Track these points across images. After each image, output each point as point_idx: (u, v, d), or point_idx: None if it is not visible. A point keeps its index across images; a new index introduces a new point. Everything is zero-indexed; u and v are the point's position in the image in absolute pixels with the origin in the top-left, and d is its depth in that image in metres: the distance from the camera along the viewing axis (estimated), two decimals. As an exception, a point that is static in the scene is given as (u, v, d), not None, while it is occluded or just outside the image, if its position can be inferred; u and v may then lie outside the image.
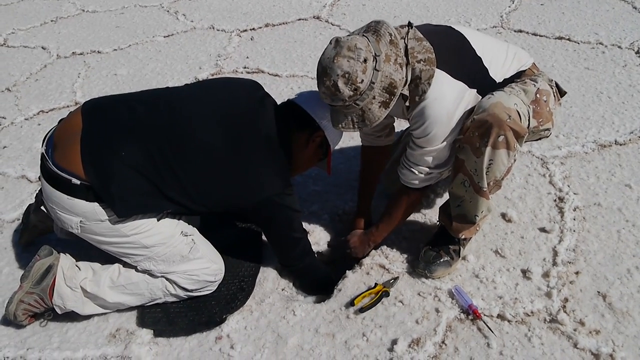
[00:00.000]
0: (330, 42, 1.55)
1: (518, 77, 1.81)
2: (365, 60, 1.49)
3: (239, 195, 1.73)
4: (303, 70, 3.62)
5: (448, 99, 1.66)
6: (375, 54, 1.51)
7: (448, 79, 1.65)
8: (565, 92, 1.94)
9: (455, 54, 1.71)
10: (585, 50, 3.55)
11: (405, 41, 1.63)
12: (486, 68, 1.74)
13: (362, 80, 1.50)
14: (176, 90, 1.91)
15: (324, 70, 1.53)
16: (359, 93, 1.52)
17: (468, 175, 1.74)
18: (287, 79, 3.55)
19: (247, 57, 3.86)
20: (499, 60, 1.78)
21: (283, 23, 4.46)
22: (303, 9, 4.69)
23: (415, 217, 2.26)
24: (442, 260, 1.92)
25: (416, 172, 1.82)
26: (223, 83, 1.95)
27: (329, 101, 1.59)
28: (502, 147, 1.64)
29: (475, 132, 1.65)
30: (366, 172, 2.22)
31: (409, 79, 1.61)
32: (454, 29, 1.82)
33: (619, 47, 3.55)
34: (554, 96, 1.85)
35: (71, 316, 1.86)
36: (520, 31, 3.91)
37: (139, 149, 1.64)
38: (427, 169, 1.81)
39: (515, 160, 1.74)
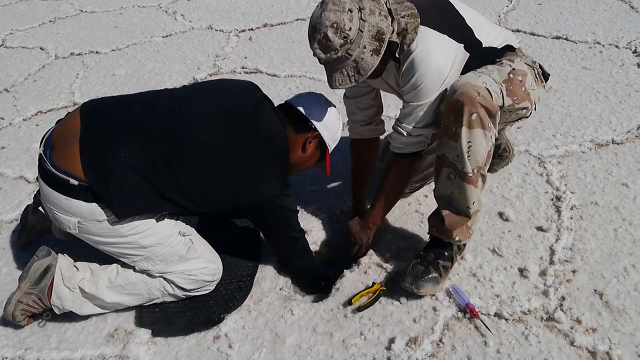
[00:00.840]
0: (318, 5, 1.61)
1: (502, 52, 1.84)
2: (350, 10, 1.55)
3: (237, 196, 1.75)
4: (301, 70, 3.62)
5: (435, 50, 1.69)
6: (359, 7, 1.57)
7: (433, 32, 1.70)
8: (549, 75, 1.95)
9: (439, 14, 1.76)
10: (582, 50, 3.56)
11: (388, 4, 1.67)
12: (470, 28, 1.77)
13: (350, 28, 1.55)
14: (175, 91, 1.92)
15: (314, 27, 1.59)
16: (349, 41, 1.57)
17: (451, 165, 1.74)
18: (285, 79, 3.56)
19: (245, 58, 3.87)
20: (484, 27, 1.83)
21: (281, 23, 4.47)
22: (301, 9, 4.69)
23: (412, 215, 2.26)
24: (430, 276, 1.83)
25: (405, 133, 1.82)
26: (221, 85, 1.96)
27: (322, 56, 1.62)
28: (477, 126, 1.65)
29: (449, 117, 1.67)
30: (358, 168, 2.23)
31: (395, 28, 1.65)
32: None
33: (617, 46, 3.56)
34: (537, 77, 1.86)
35: (69, 316, 1.86)
36: (518, 30, 3.92)
37: (138, 149, 1.64)
38: (416, 130, 1.81)
39: (493, 145, 1.73)
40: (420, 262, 1.86)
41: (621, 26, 3.83)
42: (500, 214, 2.21)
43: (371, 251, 2.09)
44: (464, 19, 1.78)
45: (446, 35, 1.71)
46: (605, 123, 2.77)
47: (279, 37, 4.22)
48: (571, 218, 2.17)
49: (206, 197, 1.73)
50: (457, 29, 1.75)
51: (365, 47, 1.59)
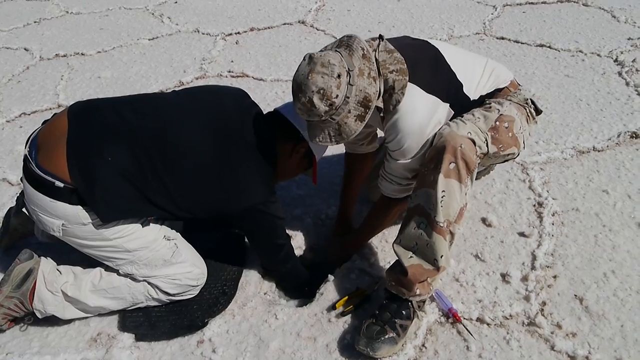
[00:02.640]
0: (304, 59, 1.56)
1: (492, 95, 1.83)
2: (339, 76, 1.51)
3: (223, 202, 1.74)
4: (288, 74, 3.63)
5: (420, 112, 1.67)
6: (348, 68, 1.53)
7: (420, 92, 1.66)
8: (541, 112, 1.96)
9: (429, 68, 1.73)
10: (565, 58, 3.62)
11: (377, 54, 1.65)
12: (460, 83, 1.75)
13: (337, 96, 1.52)
14: (164, 96, 1.91)
15: (299, 87, 1.55)
16: (335, 108, 1.54)
17: (424, 214, 1.68)
18: (272, 83, 3.57)
19: (232, 61, 3.87)
20: (474, 77, 1.80)
21: (268, 27, 4.48)
22: (288, 14, 4.71)
23: (395, 223, 2.27)
24: (387, 336, 1.67)
25: (394, 183, 1.84)
26: (211, 91, 1.96)
27: (305, 117, 1.60)
28: (453, 177, 1.63)
29: (429, 166, 1.66)
30: (349, 177, 2.25)
31: (381, 90, 1.63)
32: (430, 43, 1.83)
33: (598, 55, 3.62)
34: (528, 116, 1.87)
35: (52, 320, 1.84)
36: (503, 38, 3.97)
37: (125, 153, 1.63)
38: (405, 180, 1.82)
39: (466, 204, 1.71)
40: (375, 322, 1.71)
41: (603, 35, 3.90)
42: (483, 220, 2.24)
43: (355, 256, 2.10)
44: (454, 74, 1.75)
45: (433, 96, 1.68)
46: (587, 130, 2.81)
47: (266, 41, 4.22)
48: (553, 224, 2.20)
49: (192, 202, 1.73)
50: (446, 86, 1.73)
51: (350, 112, 1.57)
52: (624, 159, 2.58)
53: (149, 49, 4.19)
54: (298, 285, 2.04)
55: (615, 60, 3.52)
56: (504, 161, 1.89)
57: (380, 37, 1.72)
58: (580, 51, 3.68)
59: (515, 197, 2.38)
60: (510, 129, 1.76)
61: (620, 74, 3.35)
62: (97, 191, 1.61)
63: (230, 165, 1.71)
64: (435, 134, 1.69)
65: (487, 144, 1.70)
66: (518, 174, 2.52)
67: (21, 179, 1.73)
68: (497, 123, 1.74)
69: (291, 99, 1.66)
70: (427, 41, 1.85)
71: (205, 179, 1.70)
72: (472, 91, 1.79)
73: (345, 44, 1.60)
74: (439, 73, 1.74)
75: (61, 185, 1.61)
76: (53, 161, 1.63)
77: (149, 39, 4.37)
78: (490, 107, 1.78)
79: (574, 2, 4.57)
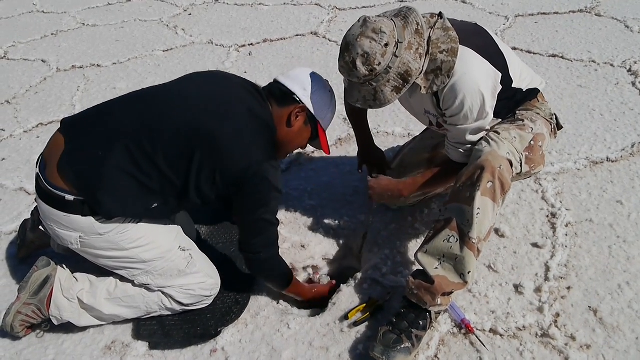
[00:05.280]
0: (359, 20, 1.60)
1: (525, 97, 1.85)
2: (386, 45, 1.55)
3: (220, 166, 1.66)
4: (300, 85, 3.64)
5: (477, 72, 1.67)
6: (398, 39, 1.56)
7: (476, 55, 1.68)
8: (562, 127, 1.98)
9: (483, 41, 1.76)
10: (578, 68, 3.60)
11: (432, 32, 1.66)
12: (507, 65, 1.77)
13: (380, 63, 1.56)
14: (154, 87, 1.85)
15: (347, 46, 1.60)
16: (375, 74, 1.58)
17: (457, 229, 1.69)
18: (285, 93, 3.58)
19: (245, 72, 3.91)
20: (518, 65, 1.83)
21: (281, 39, 4.52)
22: (301, 25, 4.75)
23: (408, 230, 2.28)
24: (403, 346, 1.67)
25: (462, 151, 1.82)
26: (200, 73, 1.92)
27: (345, 76, 1.65)
28: (489, 196, 1.65)
29: (466, 182, 1.68)
30: (353, 109, 2.25)
31: (424, 69, 1.64)
32: (481, 26, 1.86)
33: (612, 65, 3.60)
34: (552, 132, 1.89)
35: (67, 328, 1.87)
36: (515, 49, 3.96)
37: (119, 150, 1.62)
38: (469, 145, 1.80)
39: (494, 224, 1.72)
40: (392, 330, 1.71)
41: (616, 45, 3.88)
42: (497, 230, 2.23)
43: (367, 266, 2.11)
44: (503, 54, 1.77)
45: (487, 62, 1.70)
46: (600, 141, 2.80)
47: (279, 52, 4.26)
48: (566, 235, 2.19)
49: (191, 181, 1.67)
50: (497, 60, 1.74)
51: (388, 82, 1.60)
52: (639, 169, 2.56)
53: (163, 61, 4.25)
54: (277, 276, 1.90)
55: (629, 70, 3.50)
56: (529, 177, 1.90)
57: (440, 14, 1.73)
58: (593, 61, 3.67)
59: (529, 207, 2.37)
60: (542, 147, 1.80)
61: (634, 84, 3.33)
62: (98, 193, 1.62)
63: (225, 130, 1.65)
64: (473, 153, 1.71)
65: (521, 164, 1.73)
66: (531, 185, 2.51)
67: (35, 199, 1.76)
68: (532, 143, 1.77)
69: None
70: (477, 24, 1.89)
71: (199, 150, 1.63)
72: (516, 78, 1.80)
73: (403, 15, 1.63)
74: (492, 49, 1.76)
75: (71, 198, 1.63)
76: (58, 177, 1.65)
77: (163, 51, 4.43)
78: (524, 125, 1.80)
79: (587, 12, 4.56)
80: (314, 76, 1.81)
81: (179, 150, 1.64)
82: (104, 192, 1.62)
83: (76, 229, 1.68)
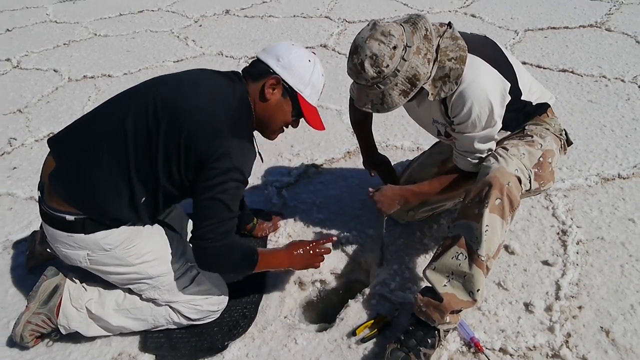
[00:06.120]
0: (368, 24, 1.61)
1: (535, 111, 1.84)
2: (395, 47, 1.55)
3: (185, 143, 1.59)
4: (310, 97, 3.65)
5: (485, 80, 1.66)
6: (406, 44, 1.57)
7: (484, 63, 1.68)
8: (572, 143, 1.97)
9: (492, 52, 1.76)
10: (588, 83, 3.59)
11: (441, 40, 1.66)
12: (517, 77, 1.76)
13: (388, 65, 1.55)
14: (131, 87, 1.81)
15: (355, 48, 1.60)
16: (382, 77, 1.57)
17: (465, 246, 1.69)
18: (294, 106, 3.59)
19: (255, 84, 3.92)
20: (527, 79, 1.83)
21: (291, 51, 4.53)
22: (310, 38, 4.77)
23: (417, 245, 2.27)
24: None
25: (471, 159, 1.81)
26: (184, 71, 1.90)
27: (354, 78, 1.65)
28: (497, 213, 1.65)
29: (475, 199, 1.68)
30: (357, 119, 2.26)
31: (432, 74, 1.64)
32: (490, 39, 1.87)
33: (622, 80, 3.59)
34: (561, 148, 1.89)
35: (75, 338, 1.87)
36: (524, 63, 3.96)
37: (101, 158, 1.62)
38: (477, 154, 1.79)
39: (503, 241, 1.73)
40: (400, 348, 1.69)
41: (627, 60, 3.87)
42: (506, 247, 2.21)
43: (375, 282, 2.09)
44: (512, 67, 1.77)
45: (496, 71, 1.69)
46: (612, 157, 2.78)
47: (289, 64, 4.27)
48: (577, 253, 2.17)
49: (159, 161, 1.63)
50: (505, 70, 1.73)
51: (396, 85, 1.60)
52: (650, 187, 2.54)
53: (173, 71, 4.25)
54: (233, 265, 1.79)
55: (640, 86, 3.48)
56: (538, 193, 1.89)
57: (449, 24, 1.73)
58: (604, 76, 3.66)
59: (539, 224, 2.35)
60: (552, 164, 1.79)
61: (645, 100, 3.31)
62: (90, 204, 1.63)
63: (189, 105, 1.63)
64: (481, 169, 1.70)
65: (530, 180, 1.72)
66: (541, 201, 2.49)
67: (40, 225, 1.76)
68: (541, 159, 1.76)
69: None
70: (487, 36, 1.89)
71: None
72: (525, 90, 1.80)
73: (412, 21, 1.63)
74: (501, 60, 1.76)
75: (72, 218, 1.64)
76: (54, 198, 1.66)
77: (173, 61, 4.47)
78: (533, 141, 1.79)
79: (597, 27, 4.56)
80: (293, 47, 1.73)
81: (146, 129, 1.60)
82: (91, 193, 1.63)
83: (82, 247, 1.68)
